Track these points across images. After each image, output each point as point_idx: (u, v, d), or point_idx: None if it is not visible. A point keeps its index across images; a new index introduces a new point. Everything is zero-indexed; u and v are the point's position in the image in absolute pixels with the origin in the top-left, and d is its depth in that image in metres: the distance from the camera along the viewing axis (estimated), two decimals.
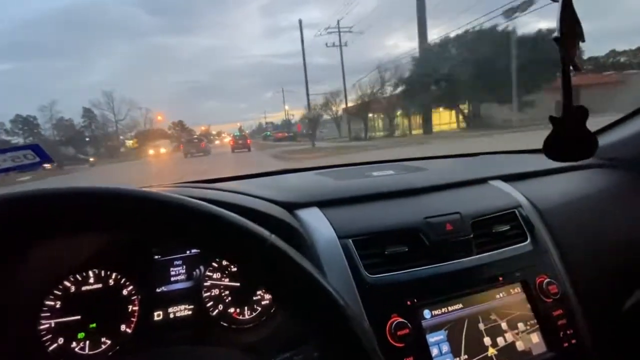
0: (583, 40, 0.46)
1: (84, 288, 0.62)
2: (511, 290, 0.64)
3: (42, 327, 0.59)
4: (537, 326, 0.62)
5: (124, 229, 0.28)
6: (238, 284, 0.69)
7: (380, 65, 19.54)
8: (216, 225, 0.26)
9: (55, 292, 0.60)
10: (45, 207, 0.25)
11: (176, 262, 0.68)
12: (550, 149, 0.53)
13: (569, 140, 0.52)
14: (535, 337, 0.61)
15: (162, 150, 20.62)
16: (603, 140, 1.00)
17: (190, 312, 0.66)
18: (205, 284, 0.68)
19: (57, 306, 0.60)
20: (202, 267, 0.68)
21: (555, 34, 0.46)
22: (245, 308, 0.68)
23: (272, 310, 0.69)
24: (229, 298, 0.68)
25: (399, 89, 18.51)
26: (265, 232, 0.27)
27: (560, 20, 0.45)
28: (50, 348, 0.59)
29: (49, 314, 0.59)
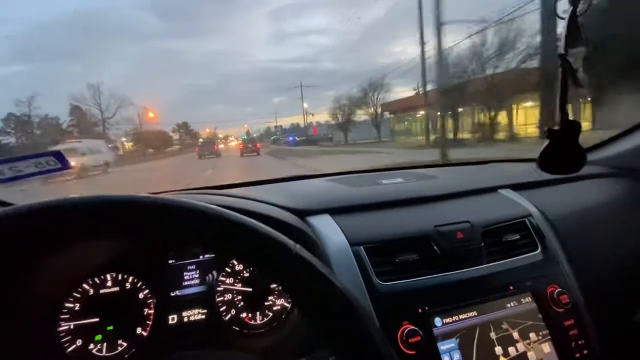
0: (587, 57, 0.48)
1: (102, 291, 0.63)
2: (522, 300, 0.64)
3: (61, 328, 0.60)
4: (549, 336, 0.62)
5: (151, 236, 0.29)
6: (250, 289, 0.70)
7: (486, 21, 10.78)
8: (247, 235, 0.27)
9: (75, 294, 0.62)
10: (84, 215, 0.26)
11: (190, 267, 0.69)
12: (543, 160, 0.55)
13: (561, 153, 0.54)
14: (547, 347, 0.61)
15: None
16: (613, 150, 1.01)
17: (203, 317, 0.68)
18: (219, 288, 0.69)
19: (76, 308, 0.61)
20: (215, 273, 0.70)
21: (560, 50, 0.47)
22: (257, 313, 0.69)
23: (283, 316, 0.70)
24: (242, 303, 0.69)
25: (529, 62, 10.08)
26: (290, 243, 0.29)
27: (565, 37, 0.47)
28: (69, 349, 0.60)
29: (68, 316, 0.61)
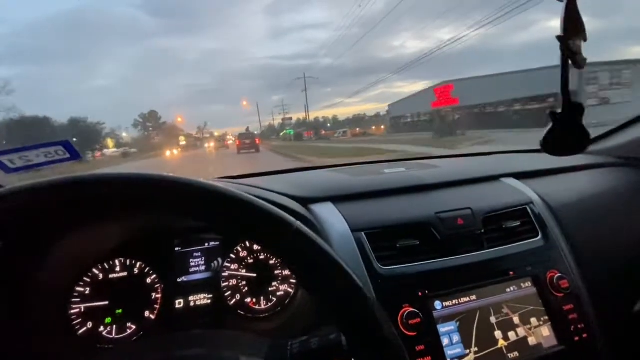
0: (585, 39, 0.48)
1: (111, 276, 0.65)
2: (522, 285, 0.64)
3: (72, 311, 0.62)
4: (549, 320, 0.63)
5: (162, 211, 0.30)
6: (255, 275, 0.71)
7: None
8: (252, 212, 0.29)
9: (85, 279, 0.64)
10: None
11: (195, 254, 0.71)
12: (547, 143, 0.55)
13: (565, 135, 0.54)
14: (546, 331, 0.62)
15: None
16: (617, 140, 1.00)
17: (209, 301, 0.69)
18: (224, 274, 0.71)
19: (87, 292, 0.64)
20: (220, 259, 0.71)
21: (559, 32, 0.47)
22: (262, 298, 0.71)
23: (287, 302, 0.72)
24: (246, 288, 0.71)
25: None
26: (291, 219, 0.30)
27: (563, 19, 0.47)
28: (80, 331, 0.62)
29: (79, 300, 0.63)
